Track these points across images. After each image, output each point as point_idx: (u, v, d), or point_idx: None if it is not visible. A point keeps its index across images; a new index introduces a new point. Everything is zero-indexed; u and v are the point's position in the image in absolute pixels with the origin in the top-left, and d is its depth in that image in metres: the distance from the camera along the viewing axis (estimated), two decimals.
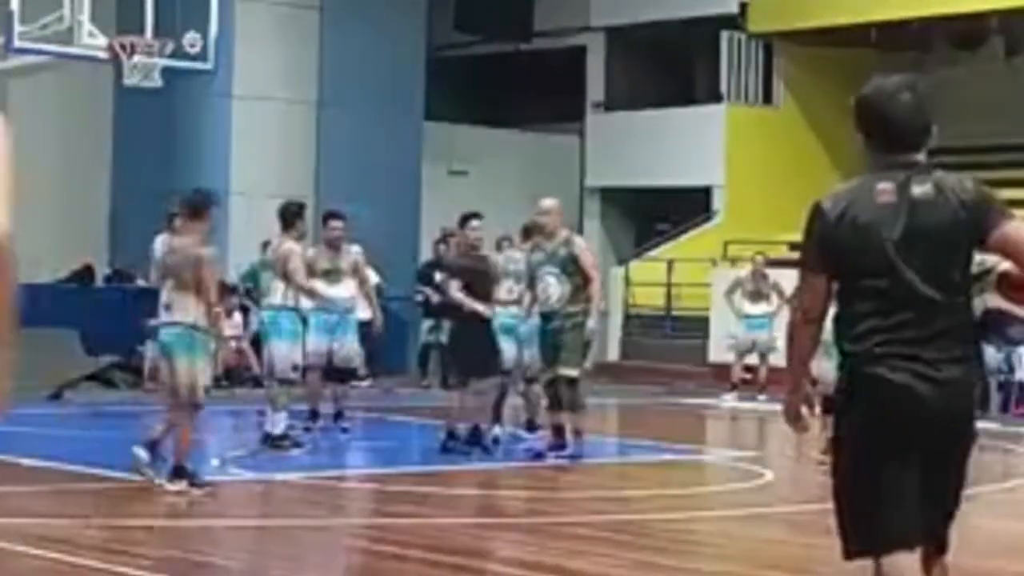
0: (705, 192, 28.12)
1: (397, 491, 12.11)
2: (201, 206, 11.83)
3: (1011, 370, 21.13)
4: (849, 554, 5.50)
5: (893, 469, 5.31)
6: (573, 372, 13.70)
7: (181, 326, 11.57)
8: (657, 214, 29.05)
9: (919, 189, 5.35)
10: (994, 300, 5.52)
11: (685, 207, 28.34)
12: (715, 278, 24.27)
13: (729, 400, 21.18)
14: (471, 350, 13.99)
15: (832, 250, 5.39)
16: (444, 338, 22.43)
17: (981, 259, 5.49)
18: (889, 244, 5.29)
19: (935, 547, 5.49)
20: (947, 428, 5.32)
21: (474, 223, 14.45)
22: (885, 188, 5.37)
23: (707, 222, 28.08)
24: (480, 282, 14.18)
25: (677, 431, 14.02)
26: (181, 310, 11.55)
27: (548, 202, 14.30)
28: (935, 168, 5.48)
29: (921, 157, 5.51)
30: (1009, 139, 27.62)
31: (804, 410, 5.61)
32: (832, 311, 5.50)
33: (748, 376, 21.60)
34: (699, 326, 24.93)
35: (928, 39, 29.07)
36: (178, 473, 11.44)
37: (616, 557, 9.56)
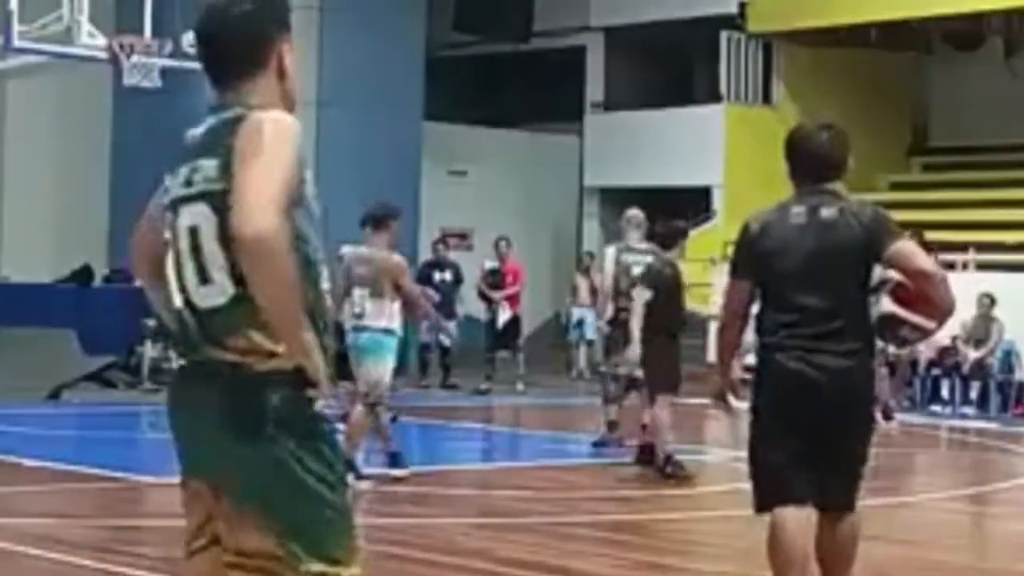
0: (704, 192, 28.12)
1: (397, 491, 12.09)
2: (384, 217, 12.35)
3: (1011, 370, 21.13)
4: (757, 510, 6.80)
5: (784, 440, 6.56)
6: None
7: (374, 331, 12.10)
8: (656, 214, 29.00)
9: (826, 212, 6.52)
10: (888, 306, 6.54)
11: (684, 207, 28.31)
12: (715, 278, 24.24)
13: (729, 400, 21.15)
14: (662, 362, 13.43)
15: (754, 260, 6.62)
16: (445, 339, 22.55)
17: (880, 273, 6.57)
18: (800, 257, 6.48)
19: (838, 505, 6.59)
20: (833, 408, 6.47)
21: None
22: (798, 211, 6.59)
23: (706, 222, 28.07)
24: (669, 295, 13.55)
25: (677, 431, 13.97)
26: (375, 316, 12.09)
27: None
28: (832, 193, 6.63)
29: (835, 186, 6.65)
30: (1009, 139, 27.60)
31: (731, 398, 7.06)
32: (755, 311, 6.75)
33: (747, 376, 21.57)
34: (699, 326, 24.88)
35: (928, 39, 29.09)
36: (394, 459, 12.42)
37: (616, 557, 9.55)
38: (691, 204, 28.23)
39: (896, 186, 28.47)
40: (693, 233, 28.01)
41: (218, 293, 4.02)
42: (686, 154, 27.70)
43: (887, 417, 18.36)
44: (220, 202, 4.01)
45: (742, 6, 28.14)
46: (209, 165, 4.09)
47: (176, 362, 4.26)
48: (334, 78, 25.41)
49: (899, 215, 26.10)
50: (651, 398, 13.31)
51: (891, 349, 16.34)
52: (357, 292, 12.13)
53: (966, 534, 11.71)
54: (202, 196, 4.08)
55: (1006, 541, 11.26)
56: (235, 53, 4.22)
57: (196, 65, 17.24)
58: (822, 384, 6.46)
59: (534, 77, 29.78)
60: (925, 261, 6.58)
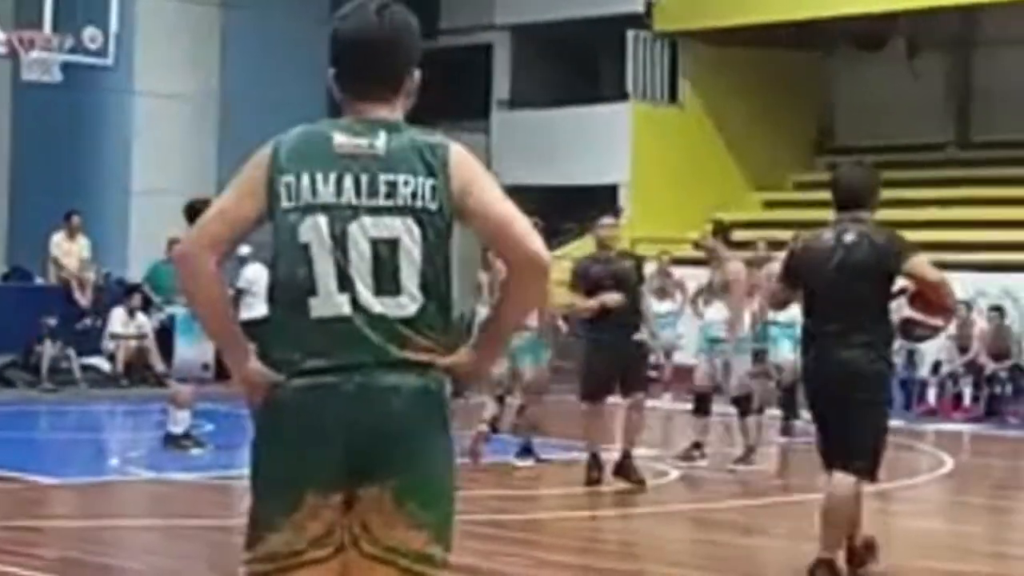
0: (611, 190, 28.13)
1: None
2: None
3: (913, 368, 21.28)
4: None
5: (818, 416, 8.41)
6: None
7: (530, 332, 13.24)
8: (563, 212, 29.03)
9: (849, 236, 8.22)
10: (905, 311, 8.16)
11: (591, 205, 28.32)
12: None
13: None
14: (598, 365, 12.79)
15: (795, 272, 8.49)
16: None
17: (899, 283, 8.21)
18: (827, 272, 8.20)
19: (856, 471, 8.19)
20: (840, 388, 8.12)
21: (605, 220, 13.28)
22: (828, 236, 8.33)
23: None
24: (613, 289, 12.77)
25: (579, 430, 13.94)
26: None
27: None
28: (858, 220, 8.31)
29: (863, 214, 8.33)
30: (913, 139, 27.86)
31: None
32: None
33: (653, 374, 21.59)
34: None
35: (832, 39, 29.29)
36: (525, 451, 13.93)
37: (526, 556, 9.49)
38: (597, 202, 28.26)
39: (801, 185, 28.62)
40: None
41: (409, 302, 4.20)
42: (593, 152, 27.71)
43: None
44: (429, 220, 4.21)
45: (648, 5, 28.20)
46: (418, 183, 4.22)
47: (301, 369, 4.18)
48: (236, 73, 25.24)
49: (804, 214, 26.25)
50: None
51: None
52: None
53: (870, 531, 11.73)
54: (408, 211, 4.21)
55: (908, 538, 11.31)
56: (399, 62, 4.36)
57: (97, 60, 17.08)
58: (832, 373, 8.16)
59: (440, 75, 29.52)
60: (934, 274, 8.20)
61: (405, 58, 4.36)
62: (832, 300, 8.17)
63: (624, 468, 12.66)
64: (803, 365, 8.53)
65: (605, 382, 12.78)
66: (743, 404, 14.28)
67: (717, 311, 14.48)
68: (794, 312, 14.54)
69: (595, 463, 12.74)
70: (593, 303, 12.63)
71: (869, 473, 8.24)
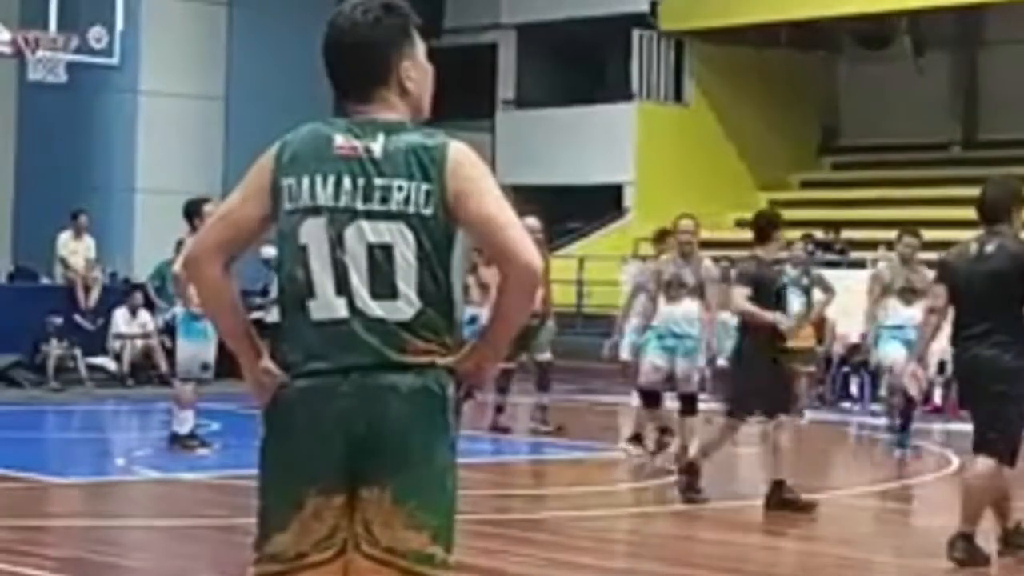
0: (616, 189, 28.15)
1: None
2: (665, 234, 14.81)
3: None
4: None
5: (964, 403, 9.84)
6: None
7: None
8: (568, 211, 29.05)
9: (989, 247, 9.26)
10: None
11: (596, 204, 28.35)
12: (626, 275, 24.25)
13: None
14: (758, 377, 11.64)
15: (946, 279, 9.50)
16: None
17: None
18: (970, 278, 9.23)
19: (986, 454, 9.17)
20: (978, 381, 9.22)
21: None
22: (974, 247, 9.38)
23: (618, 219, 28.10)
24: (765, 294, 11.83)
25: (589, 429, 13.97)
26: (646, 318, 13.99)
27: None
28: (999, 233, 9.26)
29: (1002, 228, 9.25)
30: (918, 137, 27.84)
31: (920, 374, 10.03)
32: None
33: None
34: (609, 323, 24.88)
35: (837, 39, 29.28)
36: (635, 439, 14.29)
37: (528, 556, 9.49)
38: (602, 201, 28.28)
39: (807, 184, 28.63)
40: (604, 230, 28.09)
41: (406, 307, 4.15)
42: (598, 152, 27.72)
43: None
44: (422, 225, 4.16)
45: (653, 4, 28.22)
46: (412, 188, 4.20)
47: (303, 371, 4.20)
48: (241, 73, 25.25)
49: (809, 213, 26.12)
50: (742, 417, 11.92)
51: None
52: (640, 297, 14.37)
53: (873, 530, 11.73)
54: (401, 216, 4.16)
55: (915, 537, 11.30)
56: (375, 58, 4.35)
57: (102, 60, 17.11)
58: (970, 366, 9.27)
59: (444, 74, 29.54)
60: None
61: (382, 53, 4.34)
62: (974, 303, 9.19)
63: (778, 498, 11.56)
64: (952, 362, 9.68)
65: (752, 399, 11.75)
66: (690, 404, 13.57)
67: (688, 307, 13.81)
68: (905, 315, 14.76)
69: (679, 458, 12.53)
70: (772, 318, 11.62)
71: (1007, 457, 9.15)
